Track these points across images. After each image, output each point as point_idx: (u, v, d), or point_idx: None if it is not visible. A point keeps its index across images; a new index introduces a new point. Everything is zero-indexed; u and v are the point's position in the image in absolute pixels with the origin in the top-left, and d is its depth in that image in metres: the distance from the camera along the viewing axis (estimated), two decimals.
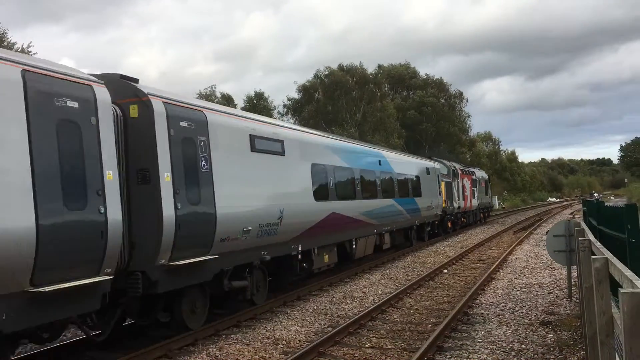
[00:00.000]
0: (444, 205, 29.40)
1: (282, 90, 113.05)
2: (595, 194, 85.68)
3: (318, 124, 49.85)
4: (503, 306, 11.81)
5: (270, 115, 48.84)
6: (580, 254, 6.37)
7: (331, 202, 15.01)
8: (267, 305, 12.24)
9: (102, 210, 7.51)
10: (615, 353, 4.52)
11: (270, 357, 8.77)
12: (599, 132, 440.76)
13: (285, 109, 59.40)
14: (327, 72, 56.50)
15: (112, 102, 8.15)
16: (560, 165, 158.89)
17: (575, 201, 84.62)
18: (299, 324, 10.92)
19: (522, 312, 11.16)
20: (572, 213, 46.13)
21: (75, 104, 7.35)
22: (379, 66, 65.67)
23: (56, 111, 7.08)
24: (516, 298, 12.59)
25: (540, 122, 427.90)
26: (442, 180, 29.67)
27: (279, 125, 13.50)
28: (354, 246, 16.96)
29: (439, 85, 71.89)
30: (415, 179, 24.22)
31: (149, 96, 8.89)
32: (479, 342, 9.14)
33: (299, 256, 13.41)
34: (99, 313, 8.14)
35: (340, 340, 9.51)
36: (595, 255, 5.27)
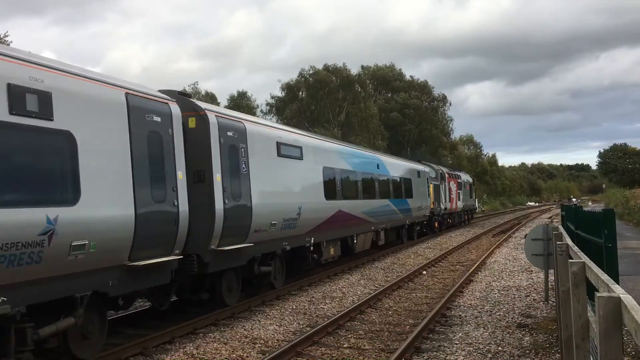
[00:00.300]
0: (432, 206, 31.07)
1: (265, 89, 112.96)
2: (574, 199, 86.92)
3: (301, 124, 49.79)
4: (481, 308, 11.89)
5: (254, 114, 48.66)
6: (557, 258, 6.43)
7: (338, 201, 17.08)
8: (245, 304, 12.19)
9: (176, 203, 9.41)
10: (590, 356, 4.56)
11: (247, 356, 8.72)
12: (578, 138, 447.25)
13: (268, 107, 59.24)
14: (311, 72, 56.46)
15: None
16: (540, 170, 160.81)
17: (554, 206, 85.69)
18: (278, 324, 10.88)
19: (499, 315, 11.24)
20: (550, 217, 46.69)
21: (159, 119, 9.33)
22: (363, 67, 65.82)
23: (147, 124, 9.02)
24: (494, 300, 12.69)
25: (521, 126, 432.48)
26: (431, 183, 31.35)
27: (298, 133, 15.86)
28: (355, 241, 18.98)
29: (423, 88, 72.33)
30: (407, 181, 26.30)
31: (205, 110, 10.93)
32: (456, 343, 9.18)
33: (311, 248, 15.40)
34: (163, 288, 9.82)
35: (318, 340, 9.48)
36: (573, 259, 5.31)
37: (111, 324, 10.40)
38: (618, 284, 3.81)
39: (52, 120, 7.23)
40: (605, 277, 3.80)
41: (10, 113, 6.68)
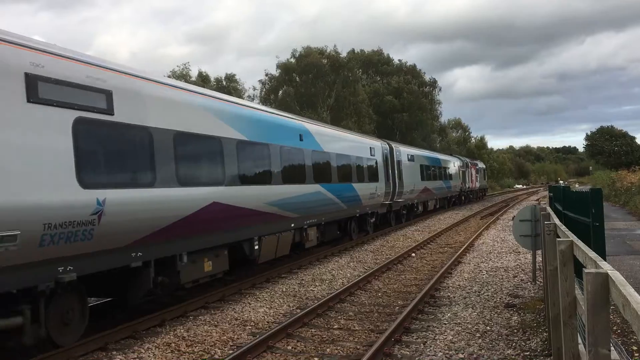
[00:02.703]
0: (461, 185, 45.10)
1: (255, 73, 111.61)
2: (561, 182, 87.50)
3: (293, 107, 49.48)
4: (469, 289, 11.99)
5: (241, 97, 48.34)
6: (545, 237, 6.48)
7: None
8: (235, 287, 12.19)
9: None
10: (577, 333, 4.63)
11: (238, 338, 8.75)
12: (565, 121, 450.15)
13: (262, 85, 58.26)
14: (302, 52, 55.86)
15: None
16: (528, 153, 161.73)
17: (542, 188, 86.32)
18: (268, 306, 10.91)
19: (487, 295, 11.35)
20: (538, 199, 47.04)
21: None
22: (351, 51, 65.12)
23: None
24: (482, 281, 12.80)
25: (509, 110, 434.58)
26: (461, 170, 45.33)
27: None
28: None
29: (412, 72, 72.06)
30: (451, 170, 40.94)
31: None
32: (445, 323, 9.27)
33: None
34: None
35: (308, 322, 9.53)
36: (561, 238, 5.35)
37: (101, 307, 10.39)
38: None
39: None
40: (592, 254, 3.84)
41: None
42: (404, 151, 28.23)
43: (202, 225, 10.39)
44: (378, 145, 23.97)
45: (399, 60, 73.71)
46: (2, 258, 6.57)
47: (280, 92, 56.10)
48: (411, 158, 29.41)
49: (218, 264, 11.35)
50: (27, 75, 7.05)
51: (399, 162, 26.51)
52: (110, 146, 8.52)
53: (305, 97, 54.42)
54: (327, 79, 54.96)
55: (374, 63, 69.49)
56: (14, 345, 7.21)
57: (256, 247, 12.75)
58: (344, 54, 58.65)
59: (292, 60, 56.39)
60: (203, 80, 52.84)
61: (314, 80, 54.45)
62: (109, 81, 8.47)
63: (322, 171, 16.93)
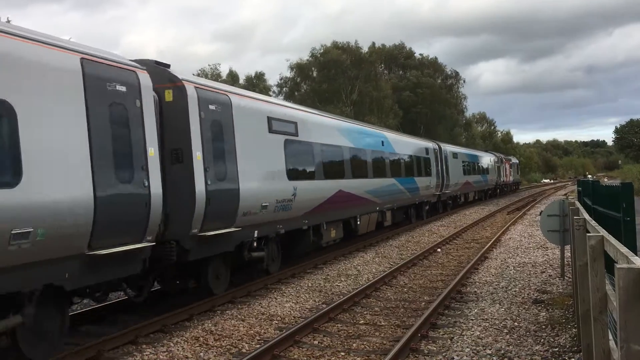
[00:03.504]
0: (497, 179, 49.25)
1: (278, 71, 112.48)
2: (589, 176, 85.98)
3: (314, 104, 49.60)
4: (496, 285, 11.90)
5: (267, 94, 48.64)
6: (575, 232, 6.41)
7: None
8: (262, 282, 12.31)
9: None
10: (607, 329, 4.57)
11: (265, 333, 8.83)
12: (593, 115, 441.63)
13: (279, 88, 58.90)
14: (322, 50, 55.94)
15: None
16: (555, 147, 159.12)
17: (569, 183, 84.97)
18: (294, 301, 10.98)
19: (515, 291, 11.25)
20: (565, 194, 46.33)
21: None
22: (370, 47, 64.59)
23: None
24: (509, 277, 12.69)
25: (535, 103, 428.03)
26: (496, 165, 49.05)
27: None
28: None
29: (434, 66, 71.44)
30: (488, 165, 44.74)
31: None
32: (472, 319, 9.22)
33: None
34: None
35: (334, 317, 9.58)
36: (590, 233, 5.29)
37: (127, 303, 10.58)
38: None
39: None
40: (624, 249, 3.80)
41: None
42: (449, 150, 32.91)
43: (333, 205, 15.66)
44: (430, 146, 29.13)
45: (421, 54, 73.04)
46: (263, 219, 11.89)
47: (300, 91, 56.18)
48: (455, 156, 33.63)
49: (338, 232, 16.62)
50: (268, 118, 12.63)
51: (445, 159, 30.88)
52: (297, 155, 13.86)
53: (328, 92, 54.41)
54: (348, 74, 54.86)
55: (395, 57, 69.06)
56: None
57: (358, 223, 17.96)
58: (365, 49, 58.51)
59: (311, 59, 56.34)
60: (233, 78, 53.34)
61: (335, 76, 54.39)
62: (295, 116, 14.12)
63: (395, 168, 22.29)
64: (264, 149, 12.21)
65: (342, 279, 13.13)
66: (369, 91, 55.29)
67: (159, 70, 9.66)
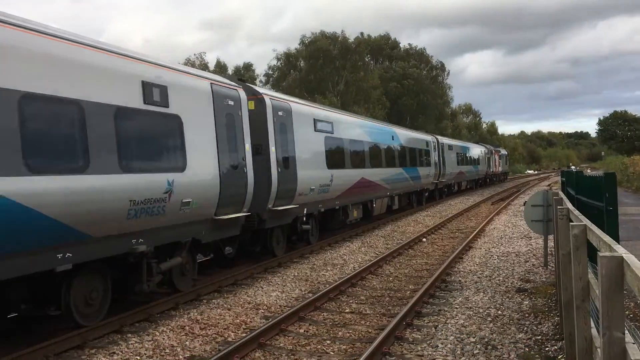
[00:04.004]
0: (486, 169, 51.35)
1: (266, 60, 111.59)
2: (573, 167, 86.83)
3: (300, 93, 49.43)
4: (480, 274, 12.02)
5: (254, 84, 48.33)
6: (558, 222, 6.48)
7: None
8: (248, 271, 12.32)
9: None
10: (590, 317, 4.64)
11: (251, 322, 8.85)
12: (577, 106, 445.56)
13: (266, 78, 58.68)
14: (311, 39, 55.69)
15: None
16: (540, 138, 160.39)
17: (553, 174, 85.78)
18: (280, 290, 11.01)
19: (498, 280, 11.37)
20: (549, 185, 46.78)
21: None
22: (357, 37, 64.32)
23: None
24: (493, 266, 12.82)
25: (520, 95, 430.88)
26: (487, 156, 51.33)
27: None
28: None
29: (421, 56, 71.48)
30: (479, 156, 47.18)
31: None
32: (456, 308, 9.31)
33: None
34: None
35: (320, 306, 9.62)
36: (574, 222, 5.35)
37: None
38: None
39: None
40: (607, 238, 3.85)
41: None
42: (446, 142, 36.02)
43: (356, 190, 18.74)
44: (430, 139, 32.16)
45: (409, 44, 73.17)
46: (310, 199, 15.15)
47: (288, 79, 55.98)
48: (450, 148, 36.61)
49: (359, 213, 19.70)
50: (314, 120, 15.96)
51: (442, 151, 33.93)
52: (333, 148, 17.09)
53: (314, 82, 54.26)
54: (335, 64, 54.71)
55: (382, 48, 68.99)
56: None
57: (374, 205, 21.10)
58: (352, 39, 58.35)
59: (301, 47, 56.17)
60: (221, 69, 53.03)
61: (322, 66, 54.23)
62: (331, 117, 17.44)
63: (402, 159, 25.31)
64: (311, 144, 15.64)
65: (329, 268, 13.18)
66: (356, 81, 55.21)
67: (245, 87, 12.94)
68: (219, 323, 8.74)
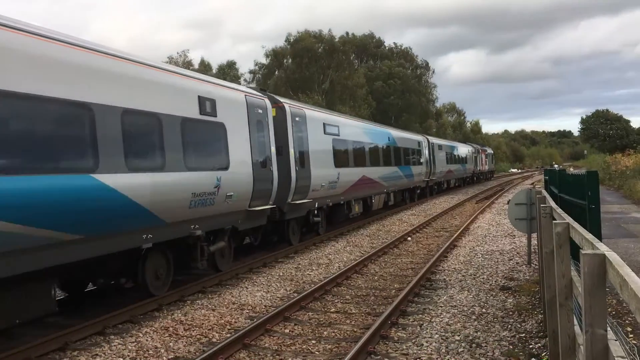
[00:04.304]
0: (473, 168, 53.29)
1: (250, 59, 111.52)
2: (556, 165, 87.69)
3: (286, 92, 49.32)
4: (465, 272, 12.07)
5: (238, 83, 48.21)
6: (541, 220, 6.51)
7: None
8: (233, 272, 12.25)
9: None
10: (573, 315, 4.66)
11: (236, 322, 8.79)
12: (560, 105, 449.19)
13: (252, 75, 58.52)
14: (297, 37, 55.61)
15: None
16: (523, 137, 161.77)
17: (536, 172, 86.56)
18: (265, 290, 10.96)
19: (483, 278, 11.43)
20: (532, 183, 47.17)
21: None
22: (343, 36, 64.31)
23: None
24: (477, 264, 12.88)
25: (504, 94, 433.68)
26: (474, 155, 53.56)
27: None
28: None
29: (406, 55, 71.70)
30: (466, 155, 49.25)
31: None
32: (441, 306, 9.34)
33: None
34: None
35: (305, 305, 9.59)
36: (557, 220, 5.38)
37: (98, 293, 10.41)
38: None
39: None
40: (589, 235, 3.86)
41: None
42: (436, 142, 38.26)
43: (358, 186, 20.85)
44: (421, 139, 34.16)
45: (395, 43, 73.52)
46: (321, 194, 17.16)
47: (273, 77, 55.92)
48: (440, 147, 38.72)
49: (360, 207, 21.61)
50: (324, 124, 18.04)
51: (432, 151, 35.95)
52: (339, 149, 19.16)
53: (299, 81, 54.20)
54: (321, 63, 54.69)
55: (367, 47, 69.13)
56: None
57: (373, 201, 23.00)
58: (337, 38, 58.41)
59: (286, 45, 56.18)
60: (205, 67, 52.87)
61: (308, 65, 54.17)
62: (338, 121, 19.86)
63: (397, 158, 27.17)
64: (322, 145, 17.70)
65: (314, 268, 13.15)
66: (341, 80, 55.22)
67: (269, 96, 14.98)
68: (203, 324, 8.67)
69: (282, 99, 15.76)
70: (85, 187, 7.85)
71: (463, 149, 48.84)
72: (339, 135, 19.17)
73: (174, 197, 9.77)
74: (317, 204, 16.98)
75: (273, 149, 13.88)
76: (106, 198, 8.18)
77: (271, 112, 14.09)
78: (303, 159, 15.87)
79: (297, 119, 15.81)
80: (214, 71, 54.72)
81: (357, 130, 21.96)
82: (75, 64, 7.92)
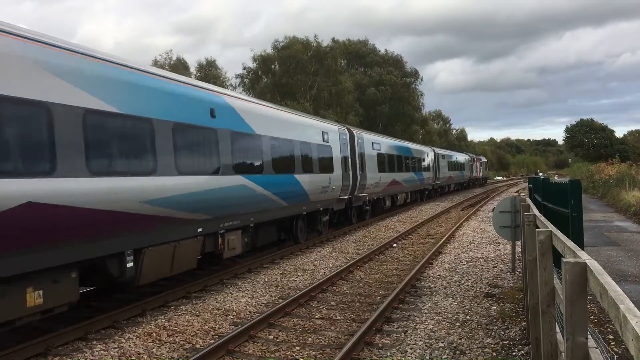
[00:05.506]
0: (469, 175, 59.47)
1: (239, 64, 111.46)
2: (540, 174, 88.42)
3: (273, 98, 49.30)
4: (449, 279, 12.11)
5: (224, 87, 48.12)
6: (525, 228, 6.56)
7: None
8: (217, 277, 12.19)
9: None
10: (555, 322, 4.70)
11: (220, 328, 8.74)
12: (545, 114, 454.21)
13: (240, 79, 58.39)
14: (284, 43, 55.67)
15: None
16: (508, 145, 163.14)
17: (521, 180, 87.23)
18: (250, 296, 10.92)
19: (467, 285, 11.47)
20: (517, 191, 47.52)
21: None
22: (334, 40, 64.56)
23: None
24: (462, 271, 12.94)
25: (489, 102, 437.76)
26: (470, 163, 59.38)
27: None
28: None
29: (396, 63, 72.06)
30: (463, 163, 55.23)
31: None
32: (425, 313, 9.36)
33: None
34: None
35: (290, 312, 9.56)
36: (540, 228, 5.42)
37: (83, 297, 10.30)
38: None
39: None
40: (571, 244, 3.90)
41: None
42: (440, 152, 44.77)
43: (390, 187, 28.76)
44: (429, 150, 42.22)
45: (386, 49, 73.92)
46: (373, 191, 25.64)
47: (261, 83, 55.91)
48: (443, 157, 45.32)
49: (389, 202, 29.47)
50: (372, 142, 26.07)
51: (437, 160, 42.49)
52: (380, 160, 26.68)
53: (287, 87, 54.22)
54: (308, 69, 54.75)
55: (359, 54, 69.41)
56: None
57: (397, 198, 31.14)
58: (325, 44, 58.56)
59: (273, 51, 56.24)
60: (184, 67, 52.82)
61: (295, 71, 54.20)
62: (380, 140, 27.88)
63: (414, 166, 35.30)
64: (371, 157, 25.02)
65: (299, 274, 13.13)
66: (328, 86, 55.30)
67: (347, 127, 22.95)
68: (187, 330, 8.62)
69: (352, 128, 23.90)
70: (293, 181, 15.74)
71: (461, 158, 55.36)
72: (380, 150, 26.80)
73: (315, 187, 17.35)
74: (368, 197, 24.05)
75: (349, 160, 21.44)
76: (299, 185, 16.07)
77: (348, 137, 21.82)
78: (362, 167, 23.15)
79: (359, 140, 23.22)
80: (192, 70, 54.85)
81: (390, 145, 29.67)
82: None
